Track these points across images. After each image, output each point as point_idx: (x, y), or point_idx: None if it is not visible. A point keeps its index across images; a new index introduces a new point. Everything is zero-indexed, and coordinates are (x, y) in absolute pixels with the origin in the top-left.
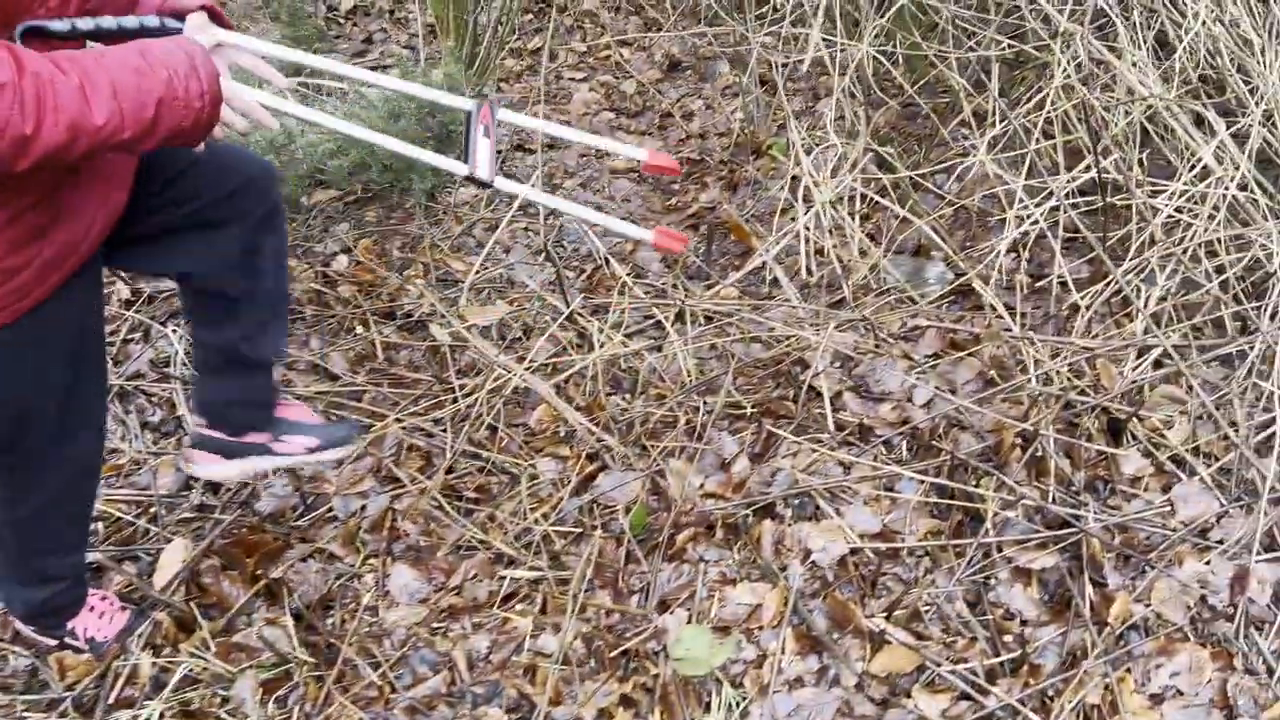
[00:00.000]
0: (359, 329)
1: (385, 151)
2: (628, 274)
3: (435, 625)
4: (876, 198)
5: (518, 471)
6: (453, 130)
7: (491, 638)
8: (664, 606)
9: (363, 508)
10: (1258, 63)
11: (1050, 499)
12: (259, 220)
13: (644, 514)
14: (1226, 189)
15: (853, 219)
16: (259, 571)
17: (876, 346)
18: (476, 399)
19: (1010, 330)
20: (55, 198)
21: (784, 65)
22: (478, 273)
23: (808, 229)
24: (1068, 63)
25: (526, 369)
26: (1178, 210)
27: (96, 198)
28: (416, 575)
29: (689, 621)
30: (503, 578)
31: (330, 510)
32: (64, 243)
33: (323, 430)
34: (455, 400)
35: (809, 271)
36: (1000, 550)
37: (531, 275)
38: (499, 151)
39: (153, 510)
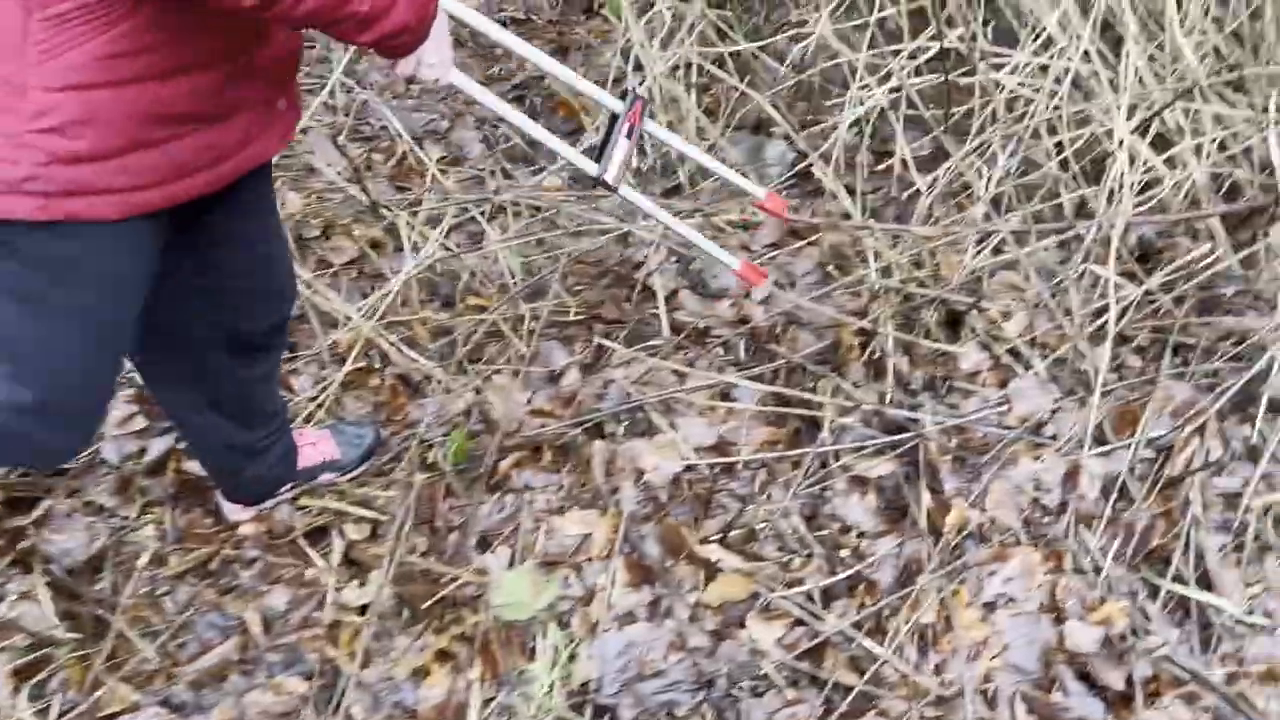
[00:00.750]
0: None
1: None
2: (440, 161)
3: (224, 581)
4: (713, 69)
5: (324, 416)
6: None
7: (291, 592)
8: (485, 544)
9: (141, 451)
10: None
11: (889, 400)
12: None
13: (464, 442)
14: (1070, 60)
15: (689, 93)
16: (9, 534)
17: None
18: None
19: (849, 218)
20: (222, 90)
21: None
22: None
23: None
24: None
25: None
26: (1020, 84)
27: (256, 119)
28: (203, 517)
29: (512, 559)
30: (306, 510)
31: (99, 456)
32: (206, 146)
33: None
34: None
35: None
36: (838, 459)
37: (331, 163)
38: None
39: None
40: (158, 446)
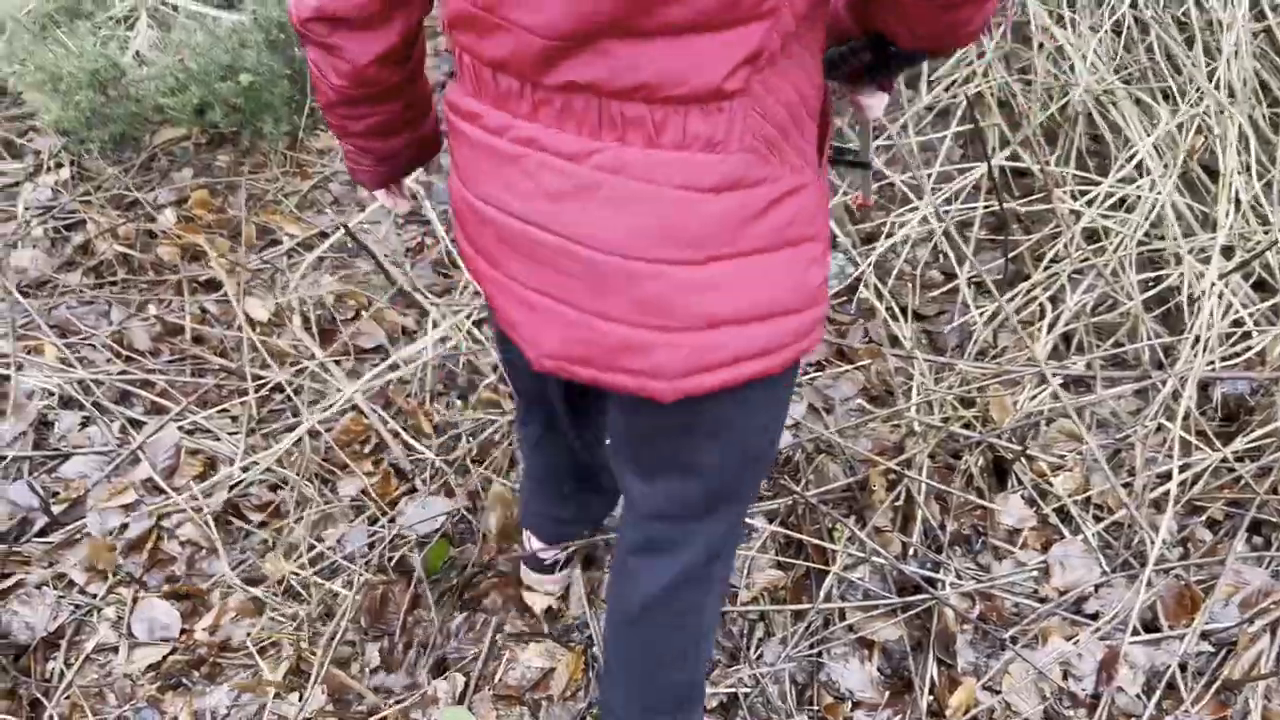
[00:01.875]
0: (172, 300)
1: (231, 89)
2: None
3: (172, 678)
4: None
5: (310, 492)
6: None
7: (233, 696)
8: (441, 668)
9: (124, 526)
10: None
11: (910, 554)
12: None
13: (444, 550)
14: (1159, 194)
15: None
16: None
17: None
18: (281, 397)
19: (897, 346)
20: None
21: None
22: (323, 235)
23: None
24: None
25: (334, 360)
26: (1101, 215)
27: None
28: (169, 611)
29: (466, 688)
30: (270, 617)
31: (84, 527)
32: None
33: None
34: (248, 395)
35: None
36: (844, 617)
37: (386, 241)
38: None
39: None
40: (139, 523)
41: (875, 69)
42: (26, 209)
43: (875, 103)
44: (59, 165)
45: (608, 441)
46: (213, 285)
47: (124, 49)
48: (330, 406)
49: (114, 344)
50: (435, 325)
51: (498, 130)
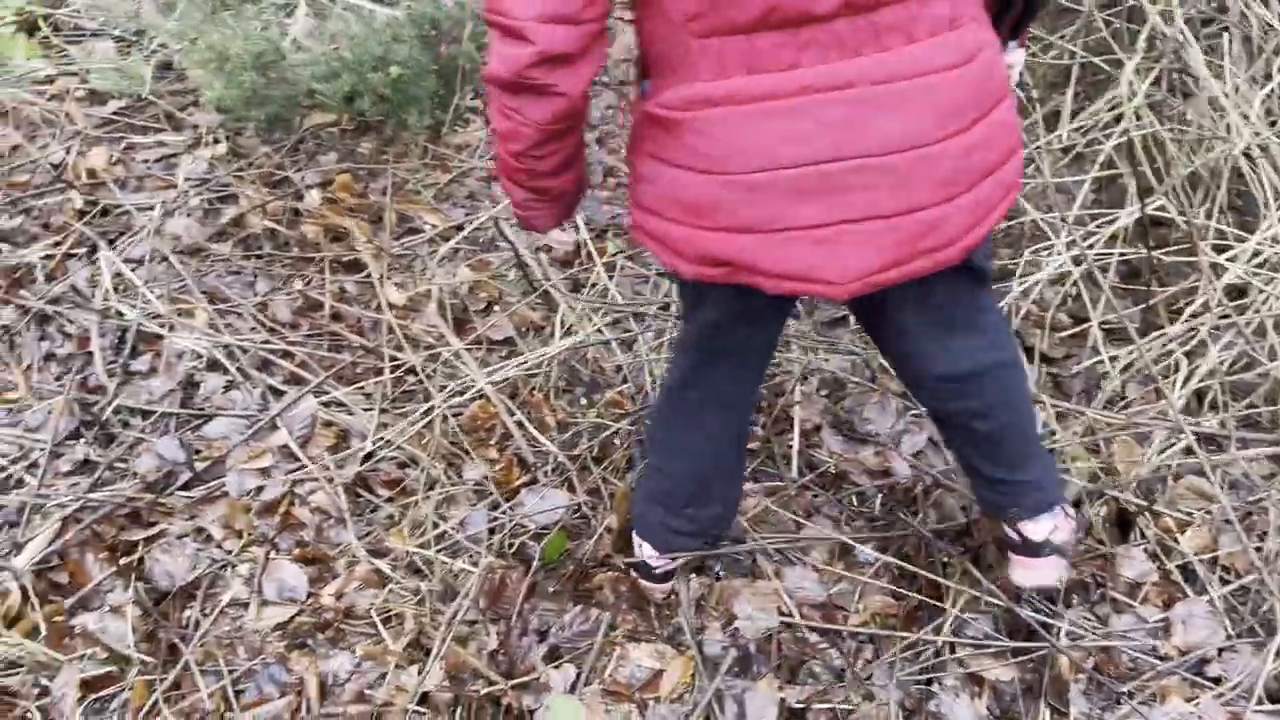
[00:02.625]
0: (314, 277)
1: (381, 80)
2: (619, 251)
3: (298, 638)
4: None
5: (435, 473)
6: (459, 60)
7: (354, 661)
8: (554, 655)
9: (260, 489)
10: None
11: (1025, 597)
12: None
13: (562, 542)
14: None
15: None
16: (125, 546)
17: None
18: (414, 379)
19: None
20: None
21: None
22: (458, 228)
23: None
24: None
25: (468, 350)
26: (1247, 271)
27: None
28: (298, 574)
29: (577, 680)
30: (388, 592)
31: (223, 486)
32: None
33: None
34: (383, 374)
35: None
36: (954, 651)
37: (517, 236)
38: None
39: (34, 458)
40: (274, 486)
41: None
42: (186, 180)
43: (1017, 60)
44: (216, 141)
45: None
46: (353, 266)
47: (283, 34)
48: (462, 394)
49: (258, 314)
50: (564, 323)
51: (763, 95)
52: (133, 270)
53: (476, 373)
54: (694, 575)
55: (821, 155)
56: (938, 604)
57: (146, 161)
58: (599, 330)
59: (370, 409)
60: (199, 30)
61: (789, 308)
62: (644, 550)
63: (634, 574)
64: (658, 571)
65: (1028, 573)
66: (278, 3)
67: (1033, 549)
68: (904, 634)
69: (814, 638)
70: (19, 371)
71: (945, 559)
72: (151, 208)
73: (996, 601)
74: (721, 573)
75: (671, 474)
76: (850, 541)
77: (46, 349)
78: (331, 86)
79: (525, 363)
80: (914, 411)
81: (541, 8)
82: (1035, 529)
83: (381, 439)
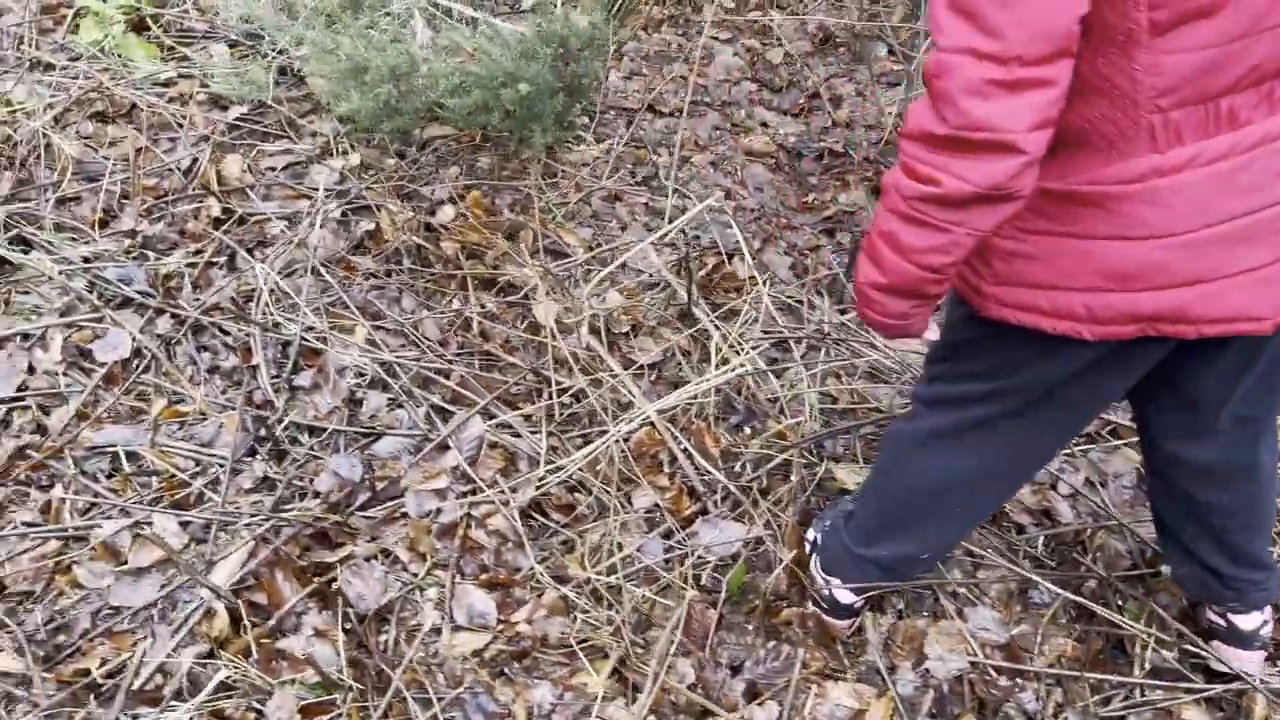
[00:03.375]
0: (457, 294)
1: (510, 96)
2: (762, 277)
3: (496, 666)
4: None
5: (606, 499)
6: (581, 78)
7: (557, 693)
8: (752, 693)
9: (438, 511)
10: None
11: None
12: None
13: (743, 574)
14: None
15: None
16: (315, 567)
17: None
18: (574, 402)
19: None
20: None
21: None
22: (590, 249)
23: None
24: None
25: (630, 377)
26: None
27: None
28: (485, 599)
29: (779, 717)
30: (575, 619)
31: (402, 506)
32: None
33: None
34: (548, 396)
35: None
36: (1144, 694)
37: (646, 258)
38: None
39: (213, 473)
40: (451, 509)
41: None
42: (327, 193)
43: None
44: (345, 151)
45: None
46: (490, 284)
47: (410, 46)
48: (631, 420)
49: (411, 331)
50: (717, 350)
51: (1219, 156)
52: (284, 280)
53: (643, 400)
54: (876, 613)
55: (1269, 200)
56: (1121, 643)
57: (274, 169)
58: (752, 357)
59: (536, 431)
60: (334, 41)
61: (1161, 355)
62: (831, 584)
63: (818, 609)
64: (843, 606)
65: (1231, 659)
66: (392, 11)
67: (1240, 639)
68: (1094, 675)
69: (1003, 680)
70: (186, 383)
71: (1121, 601)
72: (286, 217)
73: (1188, 645)
74: (904, 610)
75: (886, 513)
76: (1031, 578)
77: (209, 360)
78: (462, 101)
79: (691, 394)
80: (1065, 453)
81: (1034, 116)
82: (1247, 621)
83: (553, 465)
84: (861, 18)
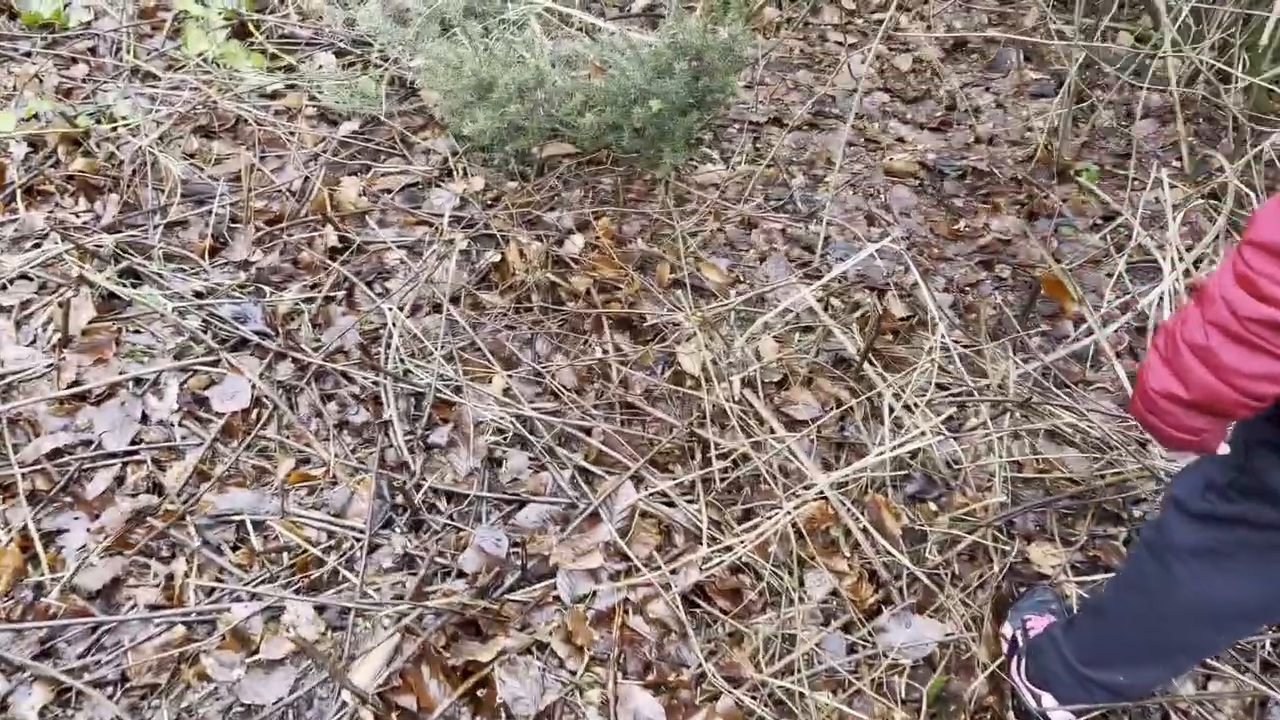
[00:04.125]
0: (592, 335)
1: (642, 114)
2: (923, 318)
3: None
4: None
5: (777, 584)
6: (717, 94)
7: None
8: None
9: (593, 594)
10: None
11: None
12: None
13: (941, 683)
14: None
15: None
16: (466, 665)
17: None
18: (733, 467)
19: None
20: None
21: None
22: (732, 284)
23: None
24: None
25: (795, 437)
26: None
27: None
28: (651, 703)
29: None
30: None
31: (553, 589)
32: None
33: None
34: (703, 459)
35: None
36: None
37: (789, 294)
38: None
39: (349, 549)
40: (607, 594)
41: None
42: (440, 216)
43: None
44: (466, 174)
45: None
46: (626, 323)
47: (518, 56)
48: (803, 494)
49: (545, 377)
50: (890, 409)
51: None
52: (409, 319)
53: (815, 469)
54: None
55: None
56: None
57: (389, 191)
58: (935, 424)
59: (693, 500)
60: (456, 56)
61: None
62: (1042, 699)
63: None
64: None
65: None
66: (508, 18)
67: None
68: None
69: None
70: (313, 440)
71: None
72: (407, 246)
73: None
74: None
75: (1130, 637)
76: (1271, 692)
77: (336, 413)
78: (587, 119)
79: (872, 464)
80: None
81: None
82: None
83: (716, 540)
84: (992, 20)
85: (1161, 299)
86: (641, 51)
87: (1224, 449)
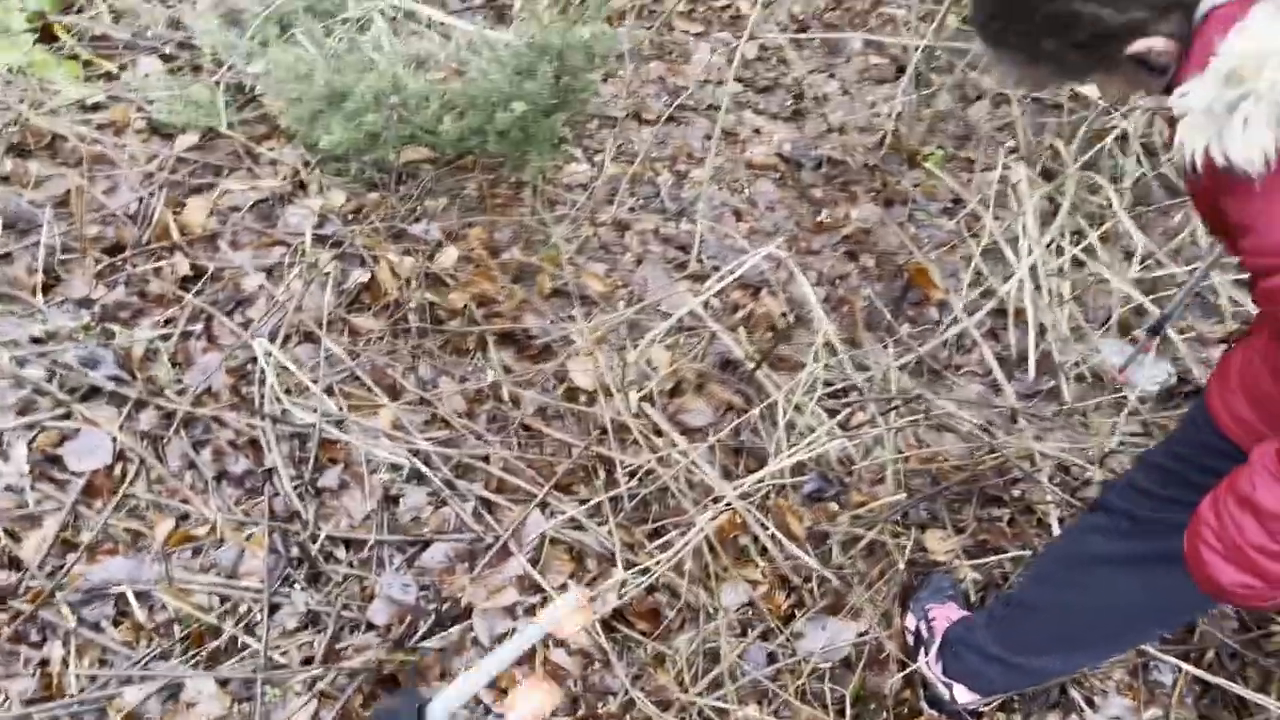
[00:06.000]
0: (477, 355)
1: (506, 117)
2: (792, 313)
3: None
4: (1079, 254)
5: (694, 599)
6: (579, 94)
7: None
8: None
9: (511, 632)
10: None
11: None
12: None
13: (862, 683)
14: None
15: (1060, 279)
16: None
17: (1102, 462)
18: (638, 484)
19: None
20: None
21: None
22: (611, 289)
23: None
24: None
25: (694, 446)
26: None
27: None
28: None
29: None
30: None
31: (470, 630)
32: None
33: None
34: (607, 478)
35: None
36: None
37: (670, 297)
38: None
39: (244, 611)
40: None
41: None
42: (296, 235)
43: None
44: (323, 188)
45: None
46: (511, 338)
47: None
48: (712, 506)
49: (434, 405)
50: (786, 412)
51: None
52: (280, 350)
53: (721, 481)
54: (1002, 713)
55: None
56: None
57: (238, 210)
58: (831, 427)
59: (602, 522)
60: (305, 64)
61: None
62: (955, 690)
63: (934, 712)
64: (969, 711)
65: None
66: (351, 18)
67: None
68: None
69: None
70: (193, 496)
71: (1244, 668)
72: (265, 269)
73: None
74: (1032, 709)
75: (1062, 629)
76: (1153, 654)
77: (212, 463)
78: (452, 125)
79: (775, 470)
80: None
81: None
82: None
83: (631, 563)
84: (829, 4)
85: (1021, 284)
86: (501, 52)
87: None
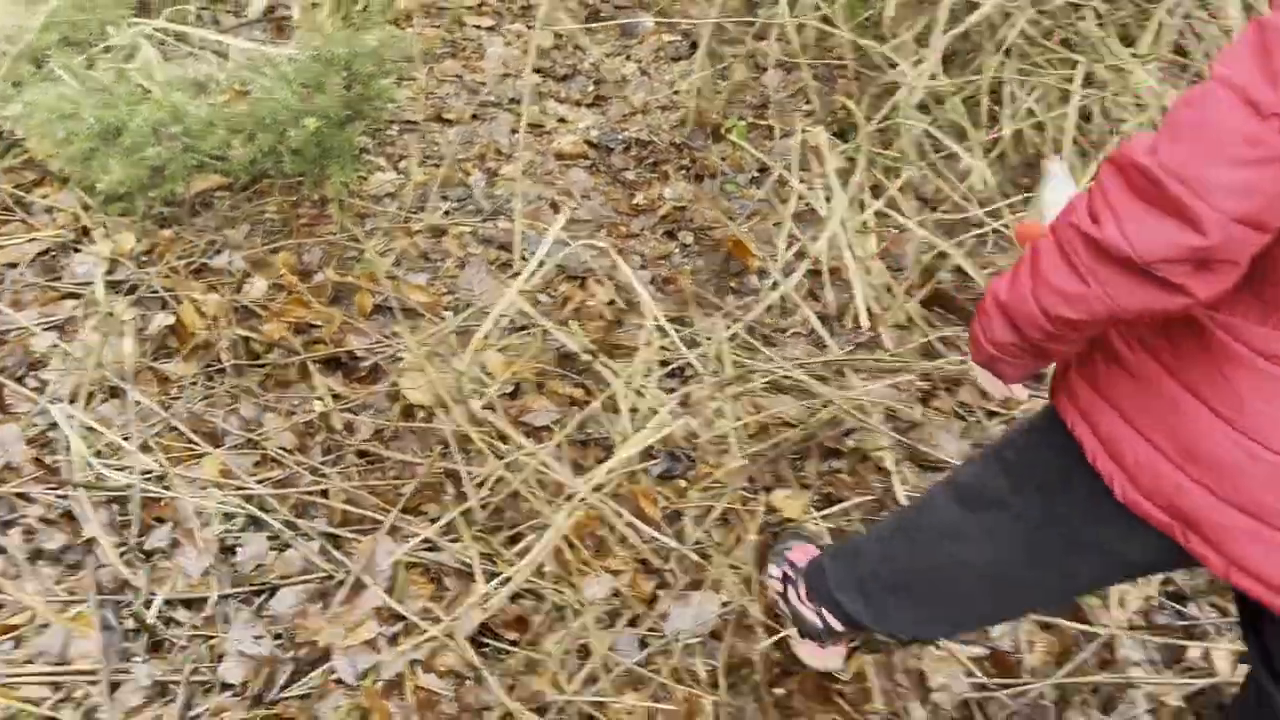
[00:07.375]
0: (300, 386)
1: (299, 134)
2: (622, 298)
3: None
4: (883, 208)
5: (559, 599)
6: (374, 102)
7: None
8: None
9: (376, 667)
10: None
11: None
12: None
13: (729, 649)
14: None
15: (864, 235)
16: None
17: (924, 400)
18: (489, 493)
19: None
20: None
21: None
22: (440, 296)
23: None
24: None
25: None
26: None
27: None
28: None
29: None
30: None
31: (333, 672)
32: None
33: None
34: (457, 492)
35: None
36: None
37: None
38: None
39: (81, 696)
40: (391, 661)
41: None
42: (88, 284)
43: None
44: (107, 232)
45: None
46: (336, 363)
47: (139, 89)
48: (567, 504)
49: (259, 445)
50: (627, 398)
51: None
52: (83, 411)
53: (572, 478)
54: (872, 653)
55: None
56: (1089, 627)
57: (16, 265)
58: (672, 407)
59: (456, 538)
60: (70, 103)
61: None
62: (825, 616)
63: (804, 657)
64: (835, 631)
65: None
66: (114, 46)
67: None
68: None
69: (1005, 695)
70: (6, 583)
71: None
72: (56, 327)
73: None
74: (892, 643)
75: (896, 575)
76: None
77: (23, 544)
78: (244, 150)
79: (624, 458)
80: (975, 423)
81: (1246, 207)
82: None
83: (491, 573)
84: None
85: (832, 242)
86: (285, 68)
87: (1018, 392)
